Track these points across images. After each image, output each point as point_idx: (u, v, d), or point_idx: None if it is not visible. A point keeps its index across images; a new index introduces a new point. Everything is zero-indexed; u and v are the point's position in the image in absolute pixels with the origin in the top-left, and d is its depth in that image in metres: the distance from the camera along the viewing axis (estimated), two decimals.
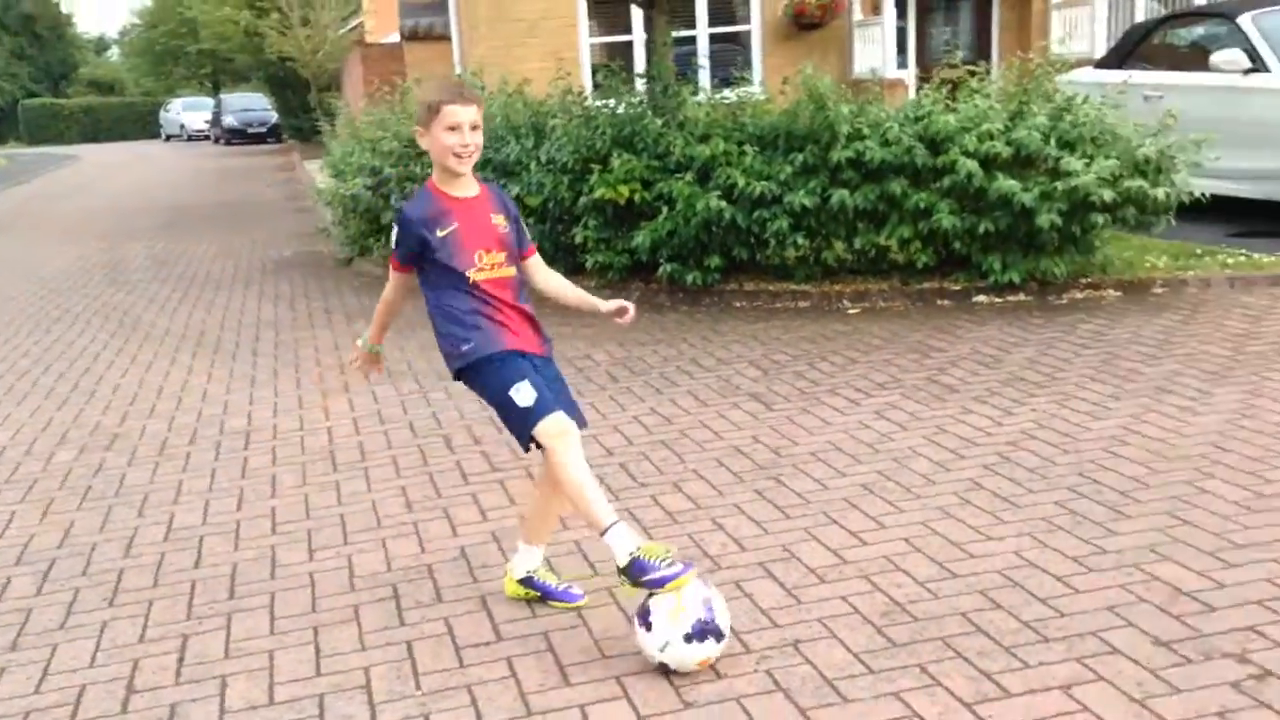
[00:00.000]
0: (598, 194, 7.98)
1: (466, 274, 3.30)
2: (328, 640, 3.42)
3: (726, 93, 9.27)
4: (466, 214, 3.33)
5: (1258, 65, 9.16)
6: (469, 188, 3.37)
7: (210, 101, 49.15)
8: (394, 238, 3.38)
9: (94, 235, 14.90)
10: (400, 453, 5.15)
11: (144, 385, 6.63)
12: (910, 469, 4.53)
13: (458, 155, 3.28)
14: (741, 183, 7.59)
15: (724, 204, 7.61)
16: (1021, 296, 7.37)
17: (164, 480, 4.95)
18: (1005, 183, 7.13)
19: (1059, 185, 7.03)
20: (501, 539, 4.11)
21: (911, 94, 13.28)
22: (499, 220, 3.38)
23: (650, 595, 3.09)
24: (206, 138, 45.80)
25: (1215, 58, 9.43)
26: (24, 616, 3.69)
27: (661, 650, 3.06)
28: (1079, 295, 7.32)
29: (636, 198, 7.97)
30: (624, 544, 3.13)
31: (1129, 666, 2.97)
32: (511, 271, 3.37)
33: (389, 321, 3.66)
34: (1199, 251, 8.06)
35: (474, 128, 3.29)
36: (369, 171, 9.87)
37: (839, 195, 7.47)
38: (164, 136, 50.71)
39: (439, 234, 3.30)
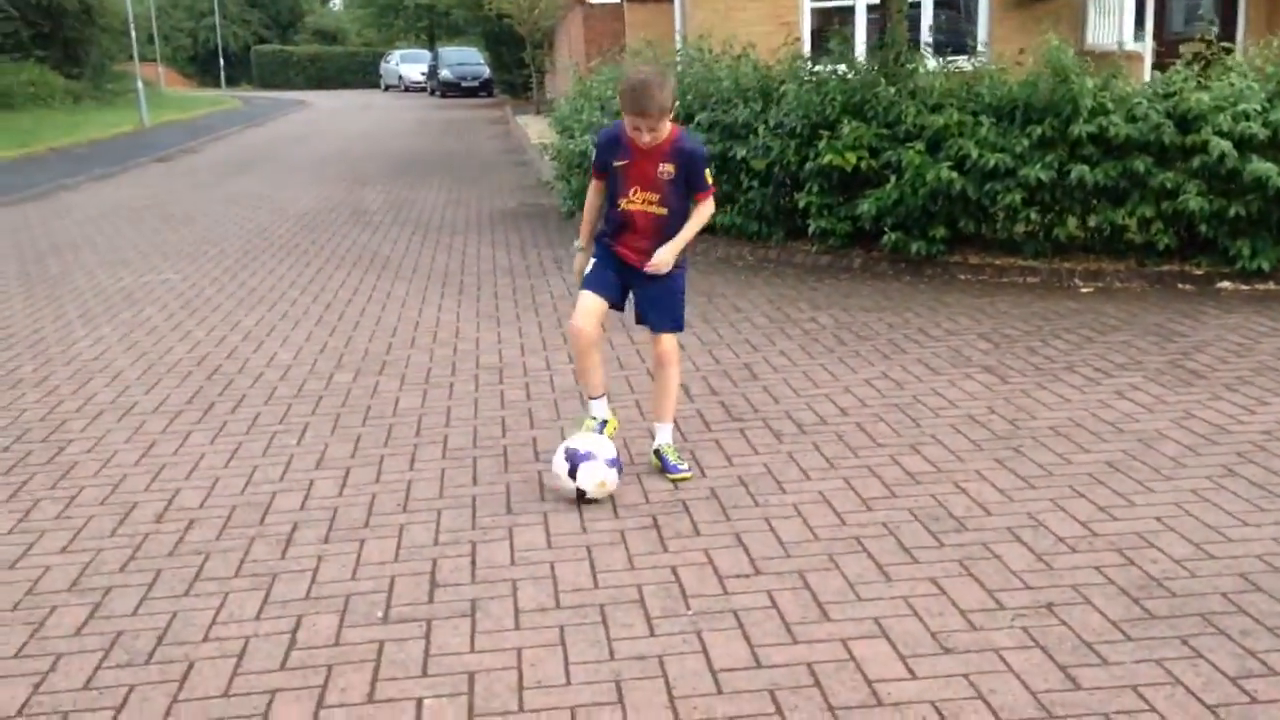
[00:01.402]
0: (825, 160, 8.06)
1: (619, 202, 4.30)
2: (602, 559, 3.71)
3: (960, 60, 9.17)
4: (640, 156, 4.22)
5: None
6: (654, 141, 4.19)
7: (427, 54, 51.02)
8: (592, 152, 4.54)
9: (332, 178, 15.86)
10: (642, 396, 5.43)
11: (401, 319, 7.15)
12: (1158, 450, 4.52)
13: (636, 137, 4.18)
14: (975, 154, 7.54)
15: (955, 174, 7.59)
16: (1271, 285, 7.11)
17: (434, 405, 5.38)
18: (1261, 165, 6.89)
19: None
20: (749, 482, 4.33)
21: (1148, 68, 12.73)
22: (666, 168, 4.22)
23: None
24: (423, 89, 47.57)
25: None
26: (331, 514, 4.13)
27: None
28: None
29: (863, 165, 8.02)
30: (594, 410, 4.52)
31: None
32: (662, 211, 4.27)
33: (595, 219, 4.52)
34: None
35: (651, 130, 4.13)
36: (598, 130, 10.20)
37: (1078, 170, 7.34)
38: (383, 86, 52.93)
39: (615, 164, 4.28)
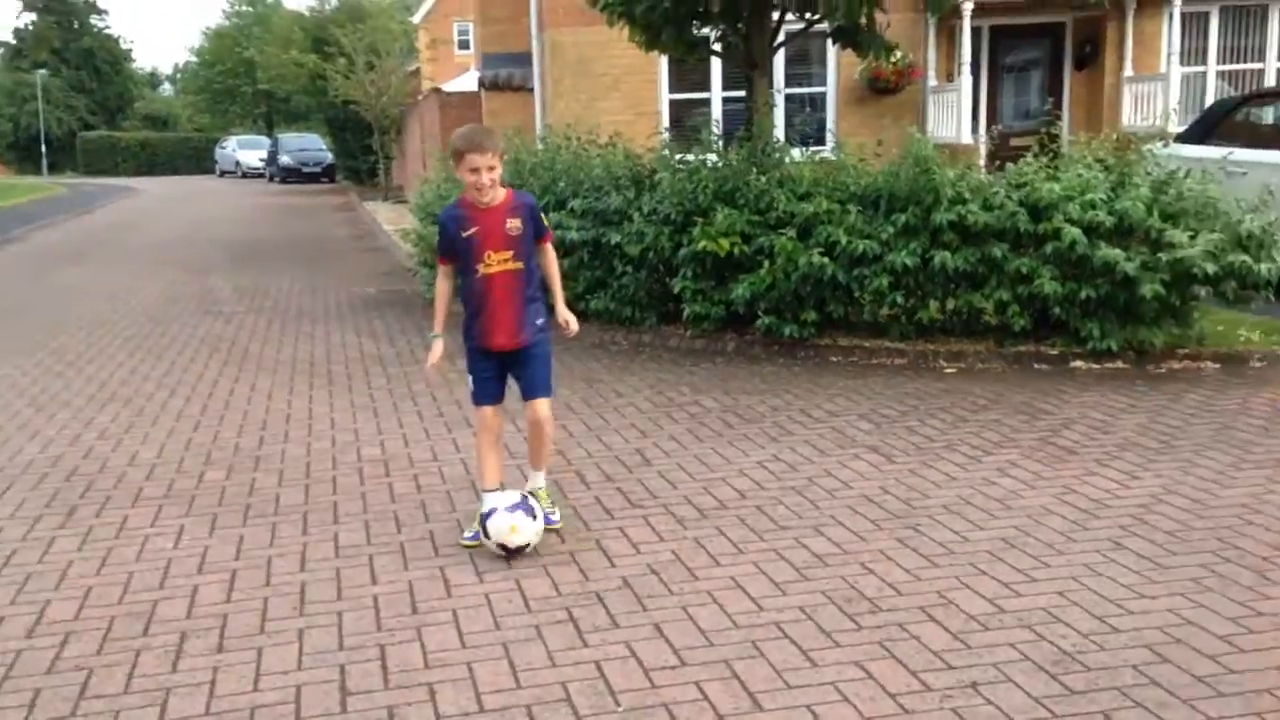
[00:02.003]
0: (699, 246, 8.19)
1: (476, 269, 4.43)
2: (521, 657, 3.57)
3: (823, 150, 9.52)
4: (486, 220, 4.44)
5: None
6: (494, 200, 4.45)
7: (265, 140, 50.11)
8: (438, 237, 4.62)
9: (173, 266, 15.27)
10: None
11: (271, 412, 6.86)
12: (1047, 526, 4.66)
13: (477, 189, 4.40)
14: (844, 240, 7.79)
15: (825, 260, 7.82)
16: (1119, 364, 7.50)
17: (318, 501, 5.14)
18: (1109, 251, 7.30)
19: (1162, 256, 7.20)
20: (659, 570, 4.26)
21: (983, 161, 13.48)
22: (513, 224, 4.46)
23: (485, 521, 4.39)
24: (261, 175, 46.63)
25: None
26: (222, 621, 3.87)
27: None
28: (1177, 366, 7.45)
29: (736, 250, 8.17)
30: (487, 502, 4.48)
31: None
32: (519, 265, 4.47)
33: (447, 304, 4.67)
34: None
35: (490, 169, 4.37)
36: None
37: (941, 256, 7.65)
38: (218, 172, 51.67)
39: (464, 235, 4.45)
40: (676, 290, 8.56)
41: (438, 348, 4.69)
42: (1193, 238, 7.21)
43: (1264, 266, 7.19)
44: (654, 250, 8.62)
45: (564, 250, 9.28)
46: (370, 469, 5.65)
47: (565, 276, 9.33)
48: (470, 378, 4.66)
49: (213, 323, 10.36)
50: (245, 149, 50.53)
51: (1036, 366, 7.63)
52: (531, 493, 4.71)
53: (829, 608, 3.92)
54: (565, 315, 4.72)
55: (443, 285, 4.64)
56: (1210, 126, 11.18)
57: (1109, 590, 4.01)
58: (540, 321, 4.62)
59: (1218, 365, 7.45)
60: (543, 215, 4.64)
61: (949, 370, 7.60)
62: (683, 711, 3.24)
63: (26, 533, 4.79)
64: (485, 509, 4.43)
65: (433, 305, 4.79)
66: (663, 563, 4.36)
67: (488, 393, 4.63)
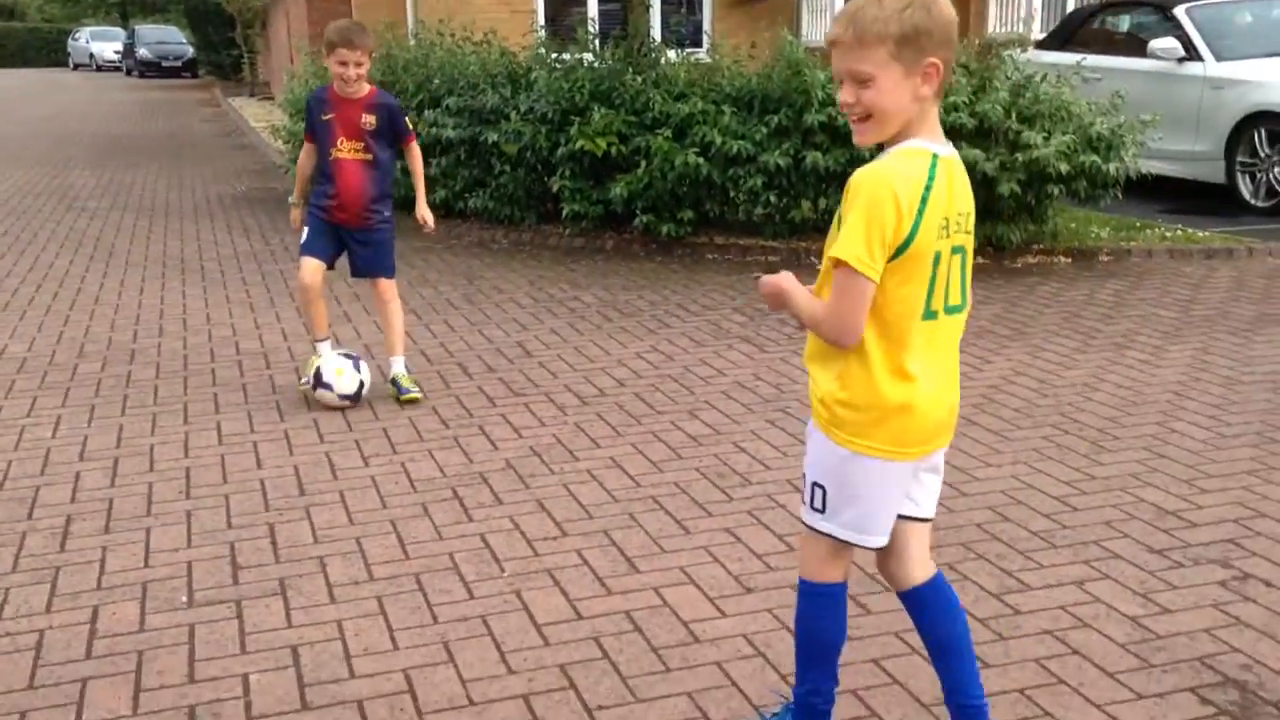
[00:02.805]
0: (576, 145, 8.23)
1: (330, 152, 4.90)
2: (408, 532, 3.72)
3: (699, 52, 9.58)
4: (345, 109, 4.89)
5: (1191, 54, 9.81)
6: (356, 93, 4.88)
7: (120, 32, 47.60)
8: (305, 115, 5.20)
9: (30, 162, 14.60)
10: (420, 378, 5.40)
11: (143, 306, 6.75)
12: None
13: (343, 80, 4.83)
14: (718, 141, 7.93)
15: (701, 160, 7.96)
16: (979, 259, 7.87)
17: (198, 393, 5.15)
18: (970, 152, 7.58)
19: (1019, 156, 7.54)
20: (541, 452, 4.43)
21: None
22: (368, 119, 4.89)
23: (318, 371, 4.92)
24: (118, 69, 44.39)
25: (1153, 45, 10.07)
26: (107, 504, 3.91)
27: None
28: (1032, 260, 7.87)
29: (613, 150, 8.24)
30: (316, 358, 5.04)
31: (1129, 569, 3.44)
32: (368, 157, 4.92)
33: (307, 177, 5.15)
34: (1138, 224, 8.68)
35: (357, 64, 4.79)
36: None
37: (812, 156, 7.86)
38: (72, 65, 48.97)
39: (322, 118, 4.92)
40: (555, 189, 8.60)
41: (296, 214, 5.22)
42: (1047, 139, 7.56)
43: (1112, 166, 7.60)
44: (531, 149, 8.62)
45: (440, 149, 9.24)
46: (250, 362, 5.65)
47: (444, 175, 9.35)
48: (305, 230, 5.05)
49: (76, 219, 10.02)
50: (100, 41, 48.00)
51: None
52: (393, 380, 5.12)
53: (702, 482, 4.15)
54: (424, 214, 5.13)
55: (304, 160, 5.15)
56: (1068, 34, 11.59)
57: (959, 460, 4.32)
58: (386, 214, 5.08)
59: (1069, 260, 7.90)
60: (405, 119, 5.08)
61: (819, 267, 7.86)
62: (564, 575, 3.43)
63: None
64: (322, 371, 4.90)
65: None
66: (544, 445, 4.53)
67: (316, 247, 5.02)
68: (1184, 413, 4.80)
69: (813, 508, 2.38)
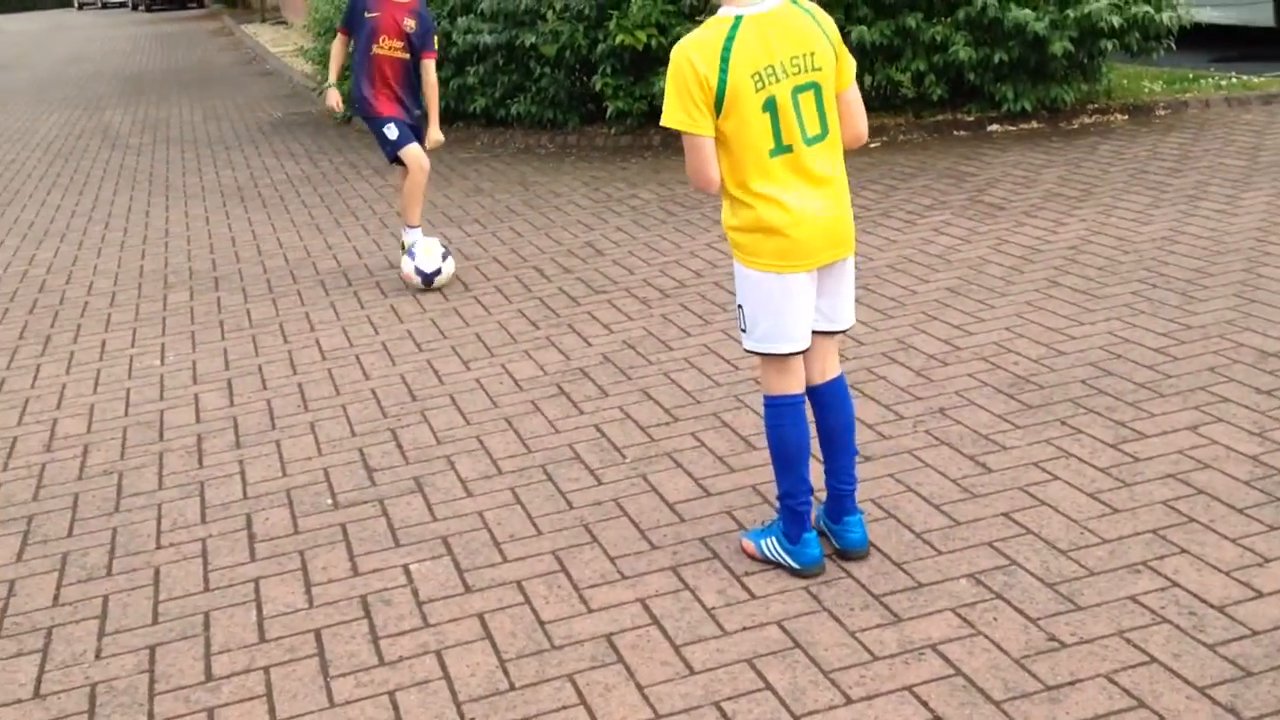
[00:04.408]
0: (615, 40, 8.14)
1: (371, 49, 5.34)
2: (524, 427, 3.83)
3: None
4: (388, 10, 5.33)
5: None
6: None
7: None
8: (345, 9, 5.61)
9: (64, 104, 14.61)
10: (500, 283, 5.48)
11: (213, 235, 6.84)
12: (987, 274, 5.00)
13: None
14: None
15: None
16: (1034, 124, 7.80)
17: (289, 314, 5.25)
18: (1020, 12, 7.48)
19: (1070, 13, 7.41)
20: (634, 345, 4.51)
21: None
22: (409, 22, 5.34)
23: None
24: (123, 4, 43.93)
25: None
26: (232, 423, 4.04)
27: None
28: (1088, 120, 7.78)
29: (654, 43, 8.15)
30: (411, 236, 5.58)
31: (1240, 410, 3.50)
32: (405, 56, 5.38)
33: (340, 64, 5.74)
34: (1190, 76, 8.54)
35: None
36: None
37: (857, 31, 7.76)
38: (77, 5, 48.47)
39: (367, 15, 5.34)
40: (597, 89, 8.54)
41: (333, 95, 5.75)
42: None
43: (1165, 15, 7.47)
44: (570, 49, 8.54)
45: (477, 55, 9.17)
46: (331, 280, 5.74)
47: (482, 83, 9.29)
48: (389, 126, 5.40)
49: (123, 156, 10.07)
50: None
51: (956, 134, 7.90)
52: (408, 247, 5.52)
53: None
54: (436, 136, 5.55)
55: (338, 48, 5.69)
56: None
57: (1051, 322, 4.37)
58: (418, 112, 5.57)
59: (1126, 116, 7.80)
60: (435, 35, 5.64)
61: (873, 145, 7.82)
62: (685, 457, 3.54)
63: (9, 362, 4.85)
64: (420, 262, 5.31)
65: (352, 122, 6.02)
66: (636, 338, 4.60)
67: (408, 136, 5.42)
68: (1270, 258, 4.80)
69: (741, 329, 2.83)
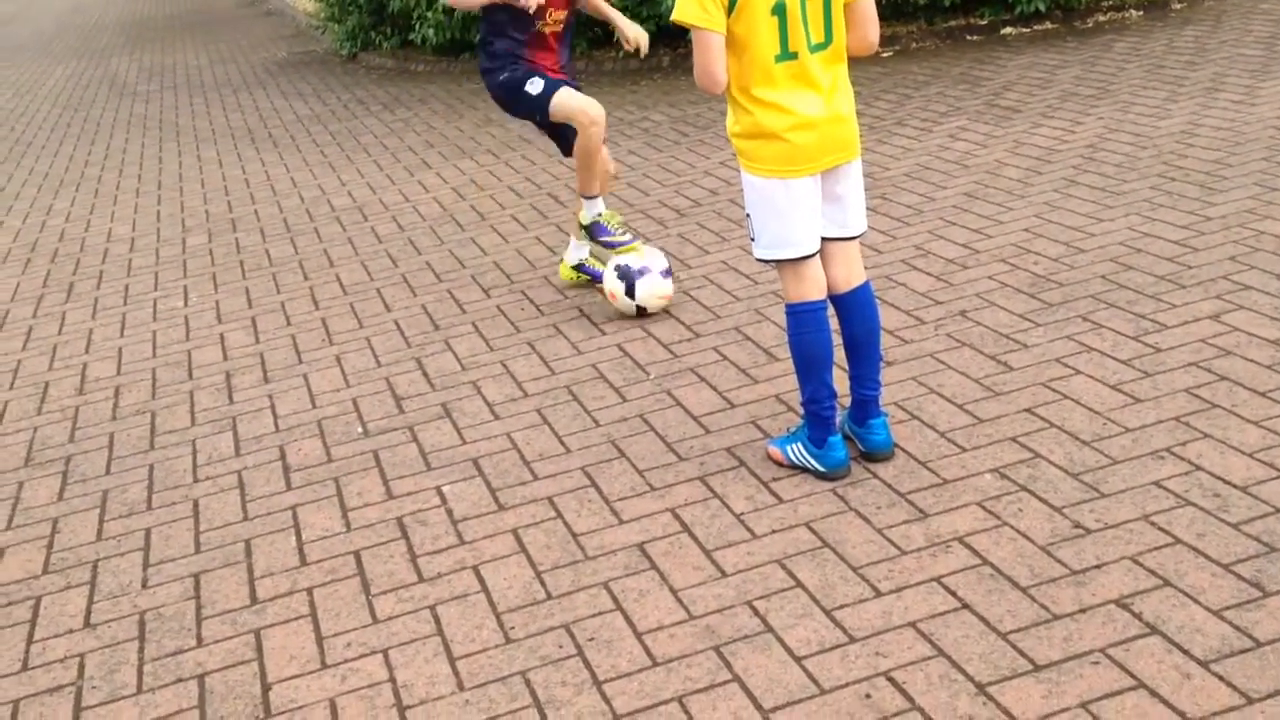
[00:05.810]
0: None
1: (535, 25, 4.11)
2: (547, 350, 3.86)
3: None
4: None
5: None
6: None
7: None
8: None
9: (67, 54, 14.54)
10: (515, 211, 5.48)
11: (227, 179, 6.85)
12: (1004, 177, 4.96)
13: None
14: None
15: None
16: (1048, 25, 7.67)
17: (308, 251, 5.28)
18: None
19: None
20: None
21: None
22: None
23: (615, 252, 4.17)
24: None
25: None
26: (259, 359, 4.09)
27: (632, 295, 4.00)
28: (1103, 18, 7.64)
29: None
30: (593, 209, 4.26)
31: (1262, 297, 3.49)
32: (569, 20, 4.20)
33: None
34: None
35: None
36: None
37: None
38: None
39: None
40: None
41: None
42: None
43: None
44: None
45: None
46: (347, 217, 5.75)
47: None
48: (535, 80, 4.09)
49: (132, 103, 10.05)
50: None
51: (969, 39, 7.78)
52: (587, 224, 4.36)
53: None
54: (638, 34, 4.23)
55: None
56: None
57: (1070, 220, 4.35)
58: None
59: (1140, 12, 7.66)
60: None
61: (885, 54, 7.72)
62: (708, 371, 3.56)
63: (35, 310, 4.91)
64: (636, 261, 4.03)
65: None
66: None
67: (558, 82, 4.16)
68: None
69: (750, 239, 2.86)
